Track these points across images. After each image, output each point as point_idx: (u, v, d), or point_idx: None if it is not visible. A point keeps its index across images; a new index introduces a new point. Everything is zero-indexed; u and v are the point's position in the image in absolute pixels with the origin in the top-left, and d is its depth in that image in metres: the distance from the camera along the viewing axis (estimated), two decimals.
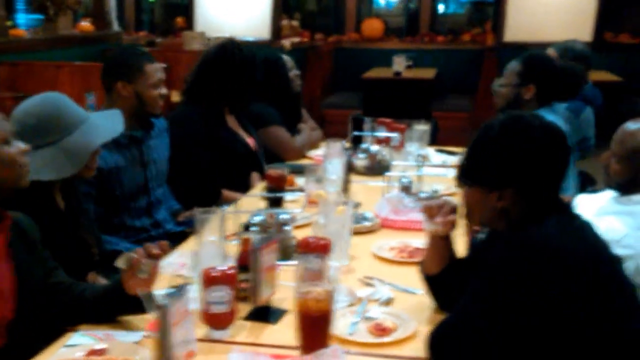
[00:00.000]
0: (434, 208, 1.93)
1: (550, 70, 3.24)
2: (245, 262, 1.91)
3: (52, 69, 4.28)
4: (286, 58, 3.89)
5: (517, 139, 1.70)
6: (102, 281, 2.23)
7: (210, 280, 1.77)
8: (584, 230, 1.73)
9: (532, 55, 3.29)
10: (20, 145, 1.85)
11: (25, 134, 2.04)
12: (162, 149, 2.96)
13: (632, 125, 2.29)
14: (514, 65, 3.23)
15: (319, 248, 1.98)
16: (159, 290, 1.84)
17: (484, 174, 1.74)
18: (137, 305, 1.78)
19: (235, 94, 3.25)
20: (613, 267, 1.75)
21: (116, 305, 1.85)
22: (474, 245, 2.10)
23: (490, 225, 1.82)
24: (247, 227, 2.05)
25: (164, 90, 2.83)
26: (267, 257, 1.89)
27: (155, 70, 2.81)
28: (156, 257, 1.78)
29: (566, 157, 1.76)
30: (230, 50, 3.24)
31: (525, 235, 1.65)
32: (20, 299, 1.80)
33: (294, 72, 3.86)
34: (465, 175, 1.81)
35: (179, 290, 1.56)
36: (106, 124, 2.31)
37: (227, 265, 1.85)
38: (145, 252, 1.77)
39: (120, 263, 1.77)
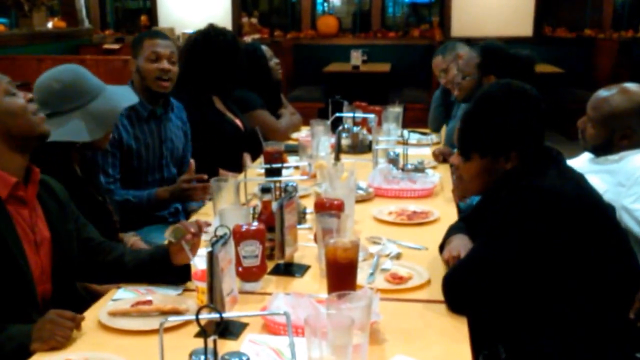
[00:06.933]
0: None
1: (505, 59, 3.29)
2: (268, 223, 2.03)
3: (34, 62, 4.29)
4: (265, 48, 4.01)
5: (519, 103, 1.86)
6: (143, 245, 2.30)
7: (242, 235, 1.88)
8: (580, 180, 1.92)
9: (487, 46, 3.35)
10: (26, 94, 1.81)
11: (52, 99, 2.12)
12: (179, 134, 3.04)
13: (605, 92, 2.44)
14: (471, 57, 3.33)
15: (334, 207, 2.10)
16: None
17: (492, 143, 1.85)
18: (179, 275, 1.90)
19: (221, 77, 3.34)
20: (608, 213, 1.94)
21: (159, 273, 1.91)
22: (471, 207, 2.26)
23: (491, 189, 1.93)
24: (263, 191, 2.15)
25: (164, 65, 2.82)
26: (289, 215, 2.02)
27: (152, 44, 2.84)
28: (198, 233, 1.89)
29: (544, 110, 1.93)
30: (213, 35, 3.34)
31: (532, 185, 1.80)
32: (55, 248, 1.85)
33: (274, 61, 3.98)
34: (474, 149, 1.88)
35: (222, 240, 1.64)
36: (123, 92, 2.38)
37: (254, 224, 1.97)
38: (190, 227, 1.86)
39: (169, 235, 1.86)
